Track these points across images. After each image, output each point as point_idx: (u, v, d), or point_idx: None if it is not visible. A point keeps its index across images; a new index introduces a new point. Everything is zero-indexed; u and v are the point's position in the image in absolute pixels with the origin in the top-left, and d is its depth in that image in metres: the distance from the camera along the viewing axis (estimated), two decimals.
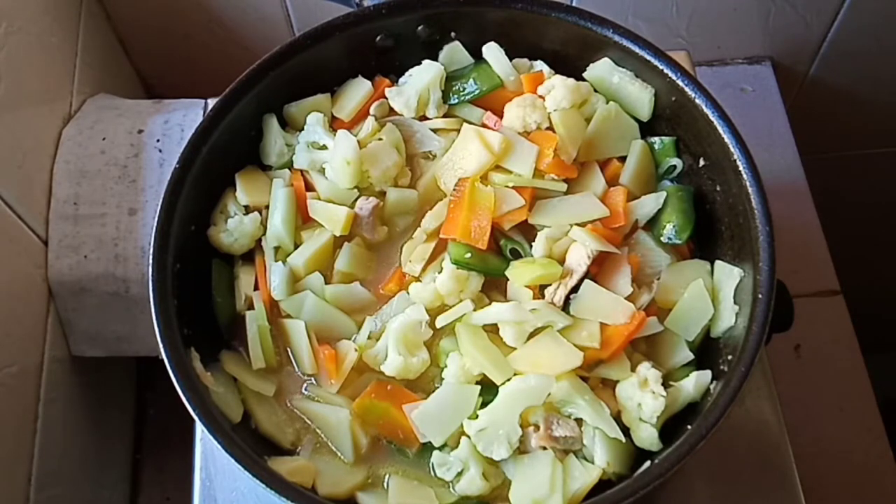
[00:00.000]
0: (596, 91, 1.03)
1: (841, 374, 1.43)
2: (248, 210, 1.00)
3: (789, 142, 1.47)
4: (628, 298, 0.91)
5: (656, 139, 1.01)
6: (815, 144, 1.50)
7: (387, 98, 1.04)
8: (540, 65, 1.04)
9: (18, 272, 1.12)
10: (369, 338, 0.95)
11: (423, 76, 1.03)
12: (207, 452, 1.02)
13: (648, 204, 0.98)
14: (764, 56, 1.52)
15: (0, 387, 1.06)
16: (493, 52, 1.03)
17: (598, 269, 0.93)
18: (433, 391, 0.90)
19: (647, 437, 0.87)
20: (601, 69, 1.01)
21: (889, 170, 1.74)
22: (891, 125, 1.64)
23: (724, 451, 1.01)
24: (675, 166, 1.00)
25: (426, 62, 1.03)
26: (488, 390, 0.89)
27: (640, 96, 1.00)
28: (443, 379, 0.91)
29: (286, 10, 1.41)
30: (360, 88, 1.04)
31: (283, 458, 0.91)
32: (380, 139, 1.00)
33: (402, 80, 1.05)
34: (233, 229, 0.99)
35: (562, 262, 0.93)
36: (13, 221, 1.11)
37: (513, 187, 0.96)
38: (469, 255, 0.92)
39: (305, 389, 0.96)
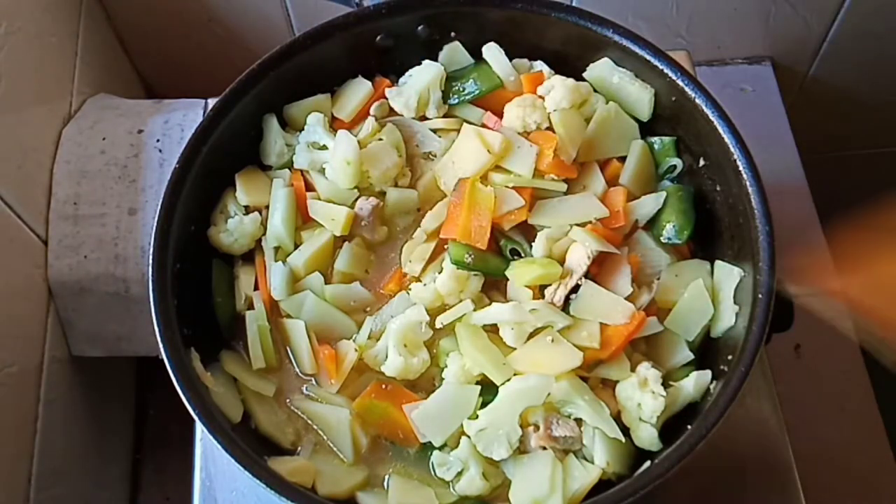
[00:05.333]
0: (596, 91, 1.02)
1: (841, 374, 1.43)
2: (248, 210, 1.00)
3: (789, 142, 1.47)
4: (628, 298, 0.91)
5: (656, 139, 1.01)
6: (815, 144, 1.49)
7: (387, 98, 1.04)
8: (540, 65, 1.04)
9: (18, 272, 1.12)
10: (369, 338, 0.95)
11: (423, 76, 1.03)
12: (207, 452, 1.02)
13: (648, 204, 0.98)
14: (764, 56, 1.52)
15: (0, 387, 1.06)
16: (492, 52, 1.03)
17: (599, 270, 0.93)
18: (433, 391, 0.90)
19: (646, 437, 0.87)
20: (601, 69, 1.01)
21: (889, 170, 1.73)
22: (891, 125, 1.64)
23: (725, 451, 1.01)
24: (674, 166, 1.00)
25: (426, 62, 1.03)
26: (488, 390, 0.89)
27: (641, 96, 1.00)
28: (443, 379, 0.91)
29: (286, 10, 1.41)
30: (360, 88, 1.04)
31: (283, 458, 0.90)
32: (380, 139, 1.00)
33: (402, 80, 1.05)
34: (233, 229, 0.99)
35: (562, 262, 0.93)
36: (13, 221, 1.11)
37: (513, 187, 0.96)
38: (469, 255, 0.92)
39: (306, 389, 0.96)
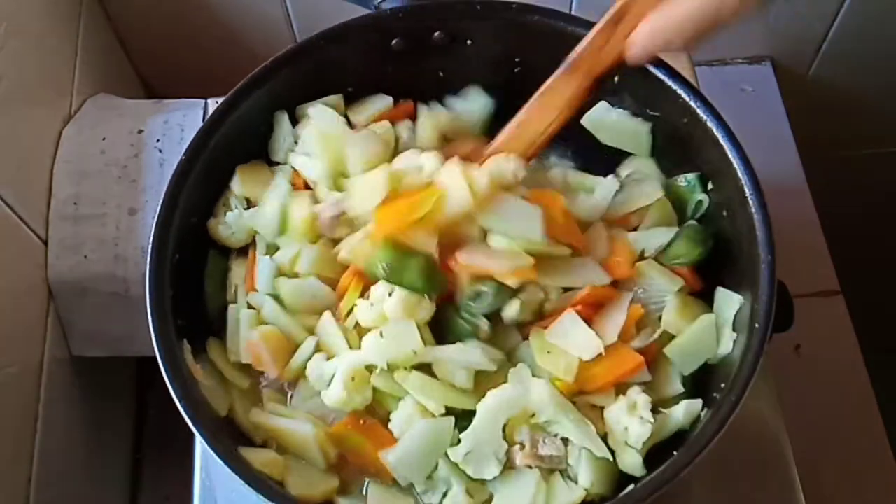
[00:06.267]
0: (594, 131, 1.00)
1: (841, 374, 1.43)
2: (249, 204, 1.00)
3: (789, 142, 1.47)
4: (623, 337, 0.88)
5: (684, 178, 0.97)
6: (815, 144, 1.50)
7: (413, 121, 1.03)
8: None
9: (18, 272, 1.12)
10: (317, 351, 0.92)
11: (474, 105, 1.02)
12: (207, 452, 1.01)
13: (658, 237, 0.95)
14: (764, 56, 1.52)
15: (0, 387, 1.06)
16: None
17: (594, 313, 0.90)
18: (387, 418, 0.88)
19: (631, 462, 0.85)
20: (598, 113, 0.99)
21: (889, 170, 1.74)
22: (891, 125, 1.64)
23: (724, 452, 1.00)
24: (701, 202, 0.96)
25: (475, 92, 1.03)
26: (464, 415, 0.87)
27: (638, 130, 0.98)
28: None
29: (286, 11, 1.41)
30: (380, 102, 1.03)
31: (254, 449, 0.89)
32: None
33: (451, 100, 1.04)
34: (231, 222, 0.98)
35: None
36: (13, 221, 1.11)
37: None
38: (385, 264, 0.86)
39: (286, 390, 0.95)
